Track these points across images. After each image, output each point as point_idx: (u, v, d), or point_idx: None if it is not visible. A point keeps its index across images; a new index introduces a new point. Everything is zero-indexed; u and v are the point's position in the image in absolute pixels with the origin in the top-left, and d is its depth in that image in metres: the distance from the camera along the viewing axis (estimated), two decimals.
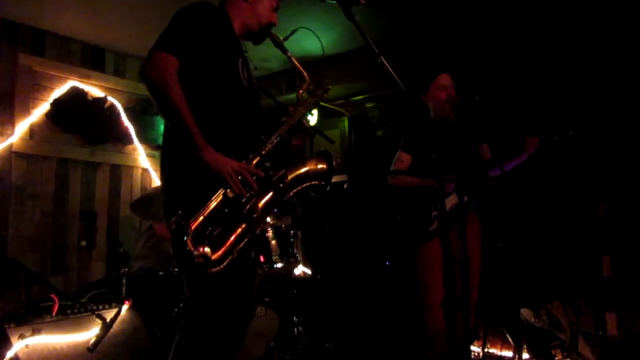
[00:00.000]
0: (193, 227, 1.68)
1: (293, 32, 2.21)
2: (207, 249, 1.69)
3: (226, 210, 1.78)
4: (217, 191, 1.77)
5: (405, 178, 3.16)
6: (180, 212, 1.72)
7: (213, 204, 1.75)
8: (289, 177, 1.95)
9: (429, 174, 2.95)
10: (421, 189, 3.04)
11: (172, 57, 1.79)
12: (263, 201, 1.88)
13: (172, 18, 1.91)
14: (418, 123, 3.24)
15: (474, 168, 3.04)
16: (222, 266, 1.73)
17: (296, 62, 2.14)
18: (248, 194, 1.81)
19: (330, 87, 2.21)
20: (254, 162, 1.87)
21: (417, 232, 3.05)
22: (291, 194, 1.98)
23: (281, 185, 1.91)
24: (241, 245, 1.81)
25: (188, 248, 1.66)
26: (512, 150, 3.00)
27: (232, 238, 1.78)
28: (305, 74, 2.14)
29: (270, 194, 1.90)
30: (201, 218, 1.71)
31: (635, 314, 3.51)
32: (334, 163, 2.05)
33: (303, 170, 2.01)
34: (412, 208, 3.10)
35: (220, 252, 1.73)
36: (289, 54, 2.15)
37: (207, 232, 1.73)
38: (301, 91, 2.14)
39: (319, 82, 2.22)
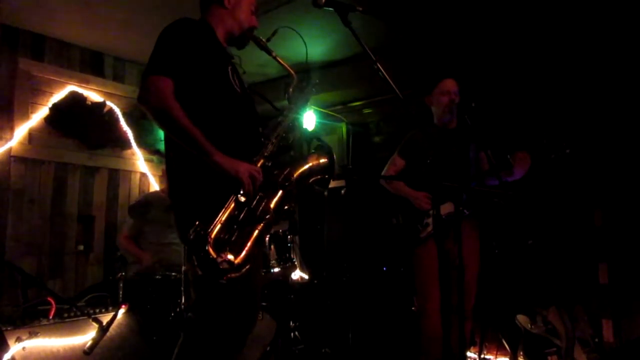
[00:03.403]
0: (213, 236, 1.73)
1: (274, 32, 2.24)
2: (229, 255, 1.74)
3: (241, 215, 1.82)
4: (228, 198, 1.81)
5: (394, 185, 3.18)
6: (197, 222, 1.74)
7: (227, 211, 1.80)
8: (295, 175, 2.02)
9: (421, 181, 2.97)
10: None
11: (166, 79, 1.83)
12: (274, 201, 1.94)
13: (158, 38, 1.94)
14: (419, 129, 3.25)
15: (471, 176, 3.04)
16: (244, 270, 1.77)
17: (281, 61, 2.18)
18: (258, 196, 1.87)
19: (317, 80, 2.27)
20: (259, 164, 1.94)
21: (409, 238, 3.07)
22: (298, 190, 2.04)
23: (287, 184, 1.97)
24: (258, 247, 1.86)
25: (211, 256, 1.70)
26: (502, 165, 2.96)
27: (251, 241, 1.83)
28: (292, 71, 2.20)
29: (280, 193, 1.97)
30: (219, 226, 1.76)
31: (631, 320, 3.52)
32: (334, 156, 2.11)
33: (306, 166, 2.08)
34: (407, 214, 3.11)
35: (242, 256, 1.78)
36: (273, 54, 2.20)
37: (226, 238, 1.77)
38: (290, 89, 2.20)
39: (306, 79, 2.29)
